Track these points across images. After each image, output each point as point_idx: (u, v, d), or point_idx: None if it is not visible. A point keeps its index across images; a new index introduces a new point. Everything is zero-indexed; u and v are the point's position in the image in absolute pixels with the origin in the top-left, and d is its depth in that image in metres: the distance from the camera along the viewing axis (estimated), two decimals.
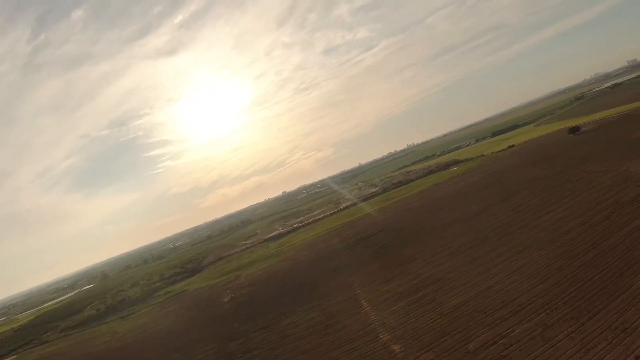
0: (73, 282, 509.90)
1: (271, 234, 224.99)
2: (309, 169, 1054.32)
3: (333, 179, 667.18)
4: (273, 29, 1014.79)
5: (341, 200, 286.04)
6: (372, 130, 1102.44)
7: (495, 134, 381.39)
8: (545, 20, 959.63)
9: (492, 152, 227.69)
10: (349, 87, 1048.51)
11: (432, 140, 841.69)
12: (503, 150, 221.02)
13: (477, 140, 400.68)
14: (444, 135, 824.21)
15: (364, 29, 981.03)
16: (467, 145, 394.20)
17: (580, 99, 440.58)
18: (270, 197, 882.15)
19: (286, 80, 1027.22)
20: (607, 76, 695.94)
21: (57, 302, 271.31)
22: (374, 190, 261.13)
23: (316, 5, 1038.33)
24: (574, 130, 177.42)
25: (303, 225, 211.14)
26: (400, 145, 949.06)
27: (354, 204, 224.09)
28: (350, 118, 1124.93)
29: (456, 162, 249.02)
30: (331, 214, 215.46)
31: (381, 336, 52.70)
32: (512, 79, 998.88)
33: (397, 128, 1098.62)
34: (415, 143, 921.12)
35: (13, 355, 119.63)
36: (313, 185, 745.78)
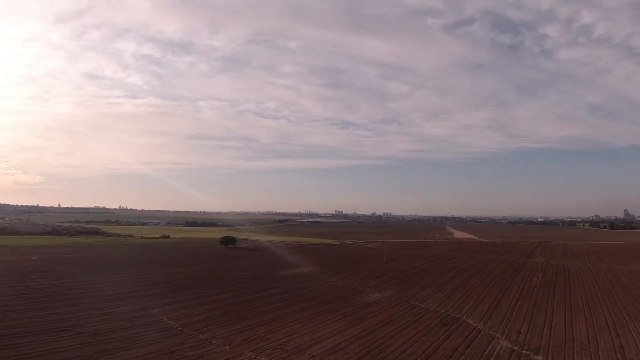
0: None
1: None
2: (2, 187, 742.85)
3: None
4: (48, 21, 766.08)
5: None
6: (94, 177, 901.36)
7: (188, 224, 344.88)
8: (289, 153, 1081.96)
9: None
10: (93, 123, 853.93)
11: (142, 210, 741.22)
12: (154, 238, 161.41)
13: (168, 224, 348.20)
14: (158, 210, 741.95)
15: (138, 76, 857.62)
16: (156, 225, 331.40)
17: (284, 222, 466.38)
18: None
19: (31, 80, 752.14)
20: (315, 215, 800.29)
21: None
22: None
23: (105, 27, 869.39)
24: (228, 241, 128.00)
25: None
26: (112, 204, 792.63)
27: None
28: (78, 155, 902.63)
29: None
30: None
31: None
32: (245, 188, 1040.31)
33: (121, 187, 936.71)
34: (129, 207, 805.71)
35: None
36: None
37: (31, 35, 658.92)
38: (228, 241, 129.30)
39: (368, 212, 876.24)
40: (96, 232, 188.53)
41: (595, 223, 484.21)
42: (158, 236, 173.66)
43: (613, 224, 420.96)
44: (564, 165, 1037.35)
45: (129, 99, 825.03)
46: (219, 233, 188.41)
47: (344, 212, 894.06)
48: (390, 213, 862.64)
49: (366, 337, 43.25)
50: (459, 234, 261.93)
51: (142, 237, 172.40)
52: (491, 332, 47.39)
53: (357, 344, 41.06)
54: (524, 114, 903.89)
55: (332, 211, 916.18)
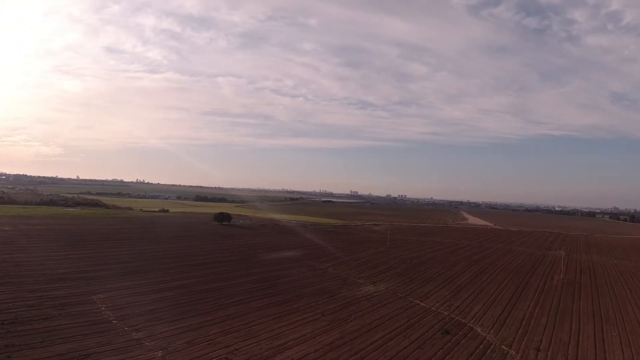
0: None
1: None
2: (23, 159, 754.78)
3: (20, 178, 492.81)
4: None
5: None
6: (112, 150, 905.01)
7: (199, 198, 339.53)
8: (306, 131, 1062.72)
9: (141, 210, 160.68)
10: (112, 97, 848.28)
11: (158, 184, 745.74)
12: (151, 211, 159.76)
13: (178, 198, 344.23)
14: (173, 185, 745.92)
15: (157, 51, 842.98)
16: (166, 199, 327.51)
17: (297, 200, 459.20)
18: None
19: (51, 53, 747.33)
20: (330, 195, 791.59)
21: None
22: None
23: (124, 1, 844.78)
24: (222, 218, 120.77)
25: None
26: (130, 177, 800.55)
27: None
28: (96, 128, 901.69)
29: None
30: None
31: None
32: (260, 165, 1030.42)
33: (139, 160, 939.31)
34: (146, 181, 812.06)
35: None
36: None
37: (50, 9, 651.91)
38: (222, 218, 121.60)
39: (383, 194, 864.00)
40: (95, 204, 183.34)
41: (615, 215, 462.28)
42: (157, 210, 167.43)
43: (634, 217, 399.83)
44: (584, 154, 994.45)
45: (147, 73, 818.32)
46: (223, 209, 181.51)
47: (359, 193, 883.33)
48: (406, 195, 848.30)
49: (342, 348, 34.21)
50: (474, 220, 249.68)
51: (140, 210, 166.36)
52: (503, 346, 37.80)
53: (327, 358, 32.13)
54: (545, 100, 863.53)
55: (347, 191, 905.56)
